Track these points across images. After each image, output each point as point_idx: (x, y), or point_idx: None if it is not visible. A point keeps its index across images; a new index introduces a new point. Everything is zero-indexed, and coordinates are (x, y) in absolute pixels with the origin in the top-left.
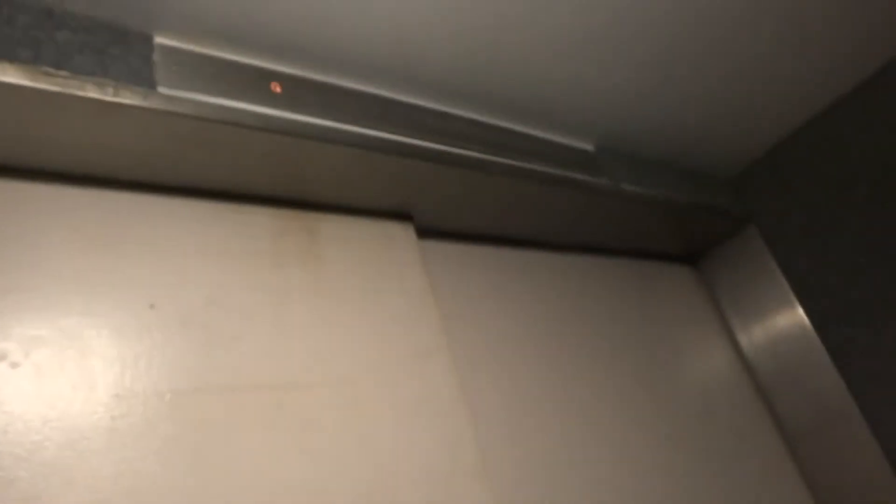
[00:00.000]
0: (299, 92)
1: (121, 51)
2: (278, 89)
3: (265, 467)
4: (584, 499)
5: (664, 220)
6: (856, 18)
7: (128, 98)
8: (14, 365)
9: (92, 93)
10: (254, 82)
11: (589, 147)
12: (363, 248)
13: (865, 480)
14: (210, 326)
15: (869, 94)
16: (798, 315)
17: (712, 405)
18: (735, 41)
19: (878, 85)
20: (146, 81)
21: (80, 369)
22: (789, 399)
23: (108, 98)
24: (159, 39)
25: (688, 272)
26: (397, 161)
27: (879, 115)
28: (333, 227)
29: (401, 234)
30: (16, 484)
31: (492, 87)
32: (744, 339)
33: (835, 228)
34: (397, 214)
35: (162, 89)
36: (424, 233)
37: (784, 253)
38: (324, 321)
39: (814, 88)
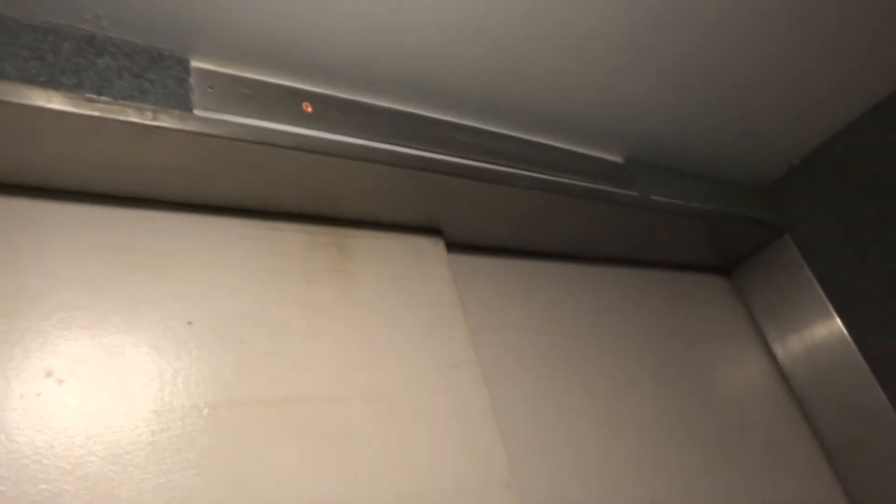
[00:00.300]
0: (329, 111)
1: (158, 74)
2: (309, 109)
3: (301, 479)
4: None
5: (696, 230)
6: (893, 23)
7: (166, 121)
8: (60, 381)
9: (132, 117)
10: (286, 102)
11: (618, 159)
12: (393, 263)
13: None
14: (246, 342)
15: None
16: (836, 325)
17: (748, 418)
18: (767, 49)
19: None
20: (182, 104)
21: (122, 385)
22: (828, 411)
23: (148, 122)
24: (195, 63)
25: (722, 283)
26: (426, 177)
27: None
28: (364, 242)
29: (430, 249)
30: (62, 497)
31: (520, 101)
32: (780, 351)
33: (872, 237)
34: (427, 229)
35: (198, 111)
36: (454, 247)
37: (820, 262)
38: (355, 335)
39: (849, 94)
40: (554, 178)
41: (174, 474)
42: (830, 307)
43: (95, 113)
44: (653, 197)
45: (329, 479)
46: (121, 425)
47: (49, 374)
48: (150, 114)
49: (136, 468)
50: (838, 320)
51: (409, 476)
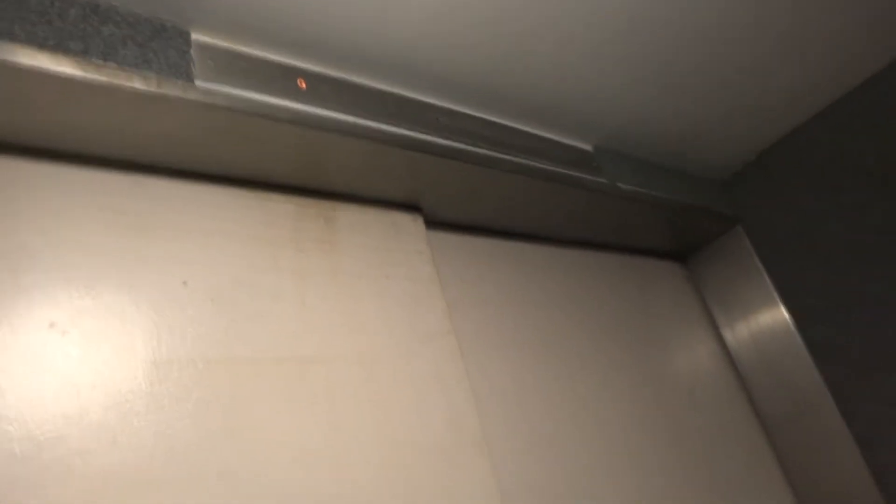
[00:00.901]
0: (322, 88)
1: (160, 45)
2: (304, 85)
3: (289, 433)
4: (579, 474)
5: (657, 218)
6: (847, 29)
7: (169, 90)
8: (63, 333)
9: (137, 84)
10: (281, 78)
11: (588, 147)
12: (376, 237)
13: (838, 468)
14: (238, 303)
15: (856, 103)
16: (780, 312)
17: (697, 393)
18: (730, 50)
19: (865, 94)
20: (184, 75)
21: (122, 338)
22: (769, 391)
23: (152, 89)
24: (195, 36)
25: (678, 269)
26: (409, 155)
27: (866, 123)
28: (348, 215)
29: (410, 225)
30: (66, 441)
31: (499, 87)
32: (728, 334)
33: (818, 231)
34: (407, 206)
35: (199, 83)
36: (432, 224)
37: (769, 253)
38: (340, 302)
39: (803, 96)
40: (528, 163)
41: (172, 423)
42: (776, 295)
43: (102, 78)
44: (619, 184)
45: (315, 434)
46: (122, 376)
47: (52, 326)
48: (154, 82)
49: (137, 416)
50: (783, 307)
51: (388, 434)
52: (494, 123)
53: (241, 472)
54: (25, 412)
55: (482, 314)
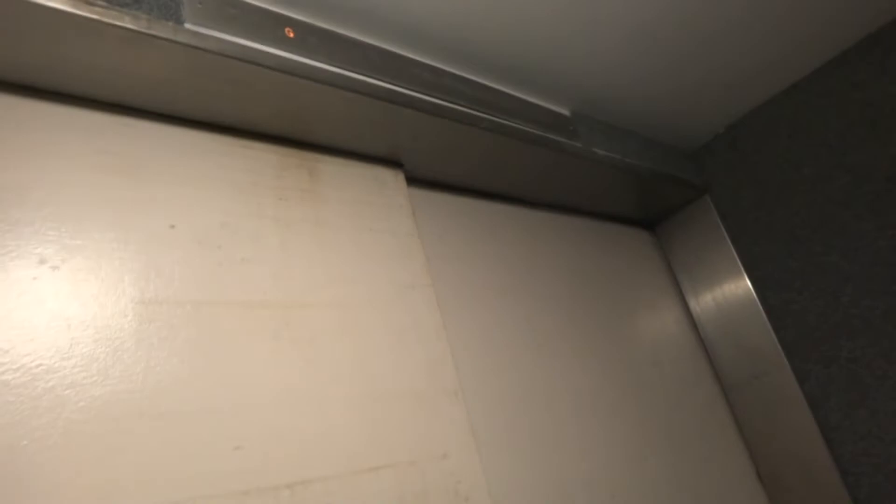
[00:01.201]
0: (309, 38)
1: None
2: (291, 34)
3: (272, 373)
4: (548, 423)
5: (628, 184)
6: (816, 6)
7: (159, 31)
8: (54, 268)
9: (128, 23)
10: (269, 26)
11: (565, 111)
12: (357, 190)
13: (790, 426)
14: (223, 248)
15: (822, 80)
16: (742, 280)
17: (660, 356)
18: (703, 23)
19: (831, 72)
20: (174, 17)
21: (112, 276)
22: (728, 353)
23: (142, 29)
24: None
25: (646, 236)
26: (391, 108)
27: (830, 100)
28: (331, 168)
29: (391, 180)
30: (58, 372)
31: (484, 48)
32: (692, 300)
33: (780, 203)
34: (389, 161)
35: (188, 25)
36: (413, 181)
37: (734, 223)
38: (322, 251)
39: (771, 72)
40: (506, 122)
41: (160, 360)
42: (740, 264)
43: (93, 15)
44: (594, 149)
45: (297, 374)
46: (112, 313)
47: (43, 262)
48: (144, 22)
49: (127, 352)
50: (745, 276)
51: (367, 378)
52: (476, 83)
53: (224, 408)
54: (17, 344)
55: (459, 270)
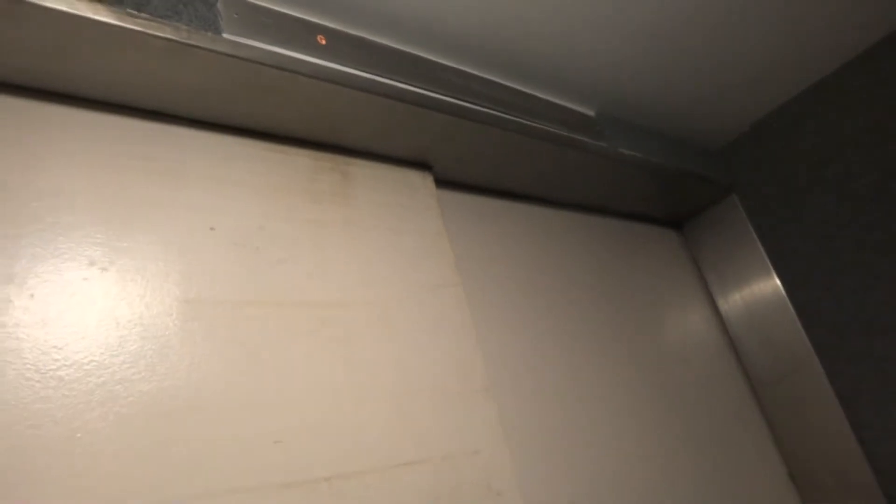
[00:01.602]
0: (341, 45)
1: None
2: (323, 41)
3: (309, 369)
4: (577, 421)
5: (654, 183)
6: (842, 3)
7: (199, 41)
8: (102, 270)
9: (169, 34)
10: (302, 34)
11: (591, 112)
12: (388, 193)
13: (821, 424)
14: (261, 250)
15: (849, 77)
16: (772, 279)
17: (689, 354)
18: (728, 21)
19: (857, 69)
20: (212, 27)
21: (157, 277)
22: (758, 352)
23: (183, 40)
24: None
25: (673, 235)
26: (420, 112)
27: (857, 97)
28: (362, 171)
29: (420, 182)
30: (109, 368)
31: (508, 51)
32: (720, 299)
33: (808, 200)
34: (418, 163)
35: (226, 35)
36: (442, 183)
37: (762, 221)
38: (355, 252)
39: (796, 69)
40: (535, 124)
41: (202, 357)
42: (768, 262)
43: (137, 27)
44: (620, 149)
45: (333, 373)
46: (157, 312)
47: (92, 264)
48: (185, 33)
49: (172, 350)
50: (774, 274)
51: (401, 375)
52: (503, 86)
53: (265, 403)
54: (71, 341)
55: (487, 270)
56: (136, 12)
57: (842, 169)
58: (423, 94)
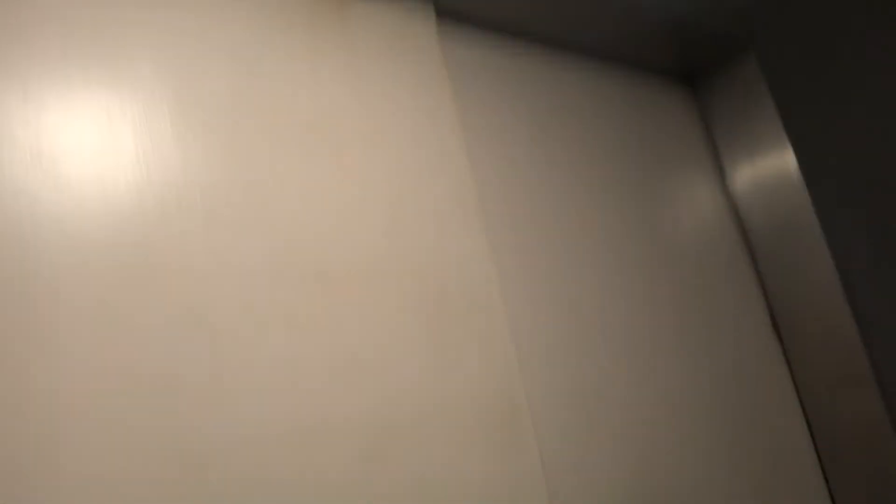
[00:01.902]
0: None
1: None
2: None
3: (301, 179)
4: (567, 252)
5: (668, 27)
6: None
7: None
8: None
9: None
10: None
11: None
12: (387, 21)
13: (823, 314)
14: (255, 69)
15: None
16: (785, 148)
17: (686, 216)
18: None
19: None
20: None
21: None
22: (766, 228)
23: None
24: None
25: (685, 93)
26: None
27: None
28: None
29: (421, 11)
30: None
31: None
32: (729, 166)
33: (834, 62)
34: None
35: None
36: (442, 14)
37: (779, 82)
38: (350, 75)
39: None
40: None
41: (198, 156)
42: (782, 129)
43: None
44: None
45: (323, 180)
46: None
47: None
48: None
49: (166, 145)
50: (788, 143)
51: (393, 193)
52: None
53: (256, 203)
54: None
55: (486, 103)
56: None
57: (866, 20)
58: None
